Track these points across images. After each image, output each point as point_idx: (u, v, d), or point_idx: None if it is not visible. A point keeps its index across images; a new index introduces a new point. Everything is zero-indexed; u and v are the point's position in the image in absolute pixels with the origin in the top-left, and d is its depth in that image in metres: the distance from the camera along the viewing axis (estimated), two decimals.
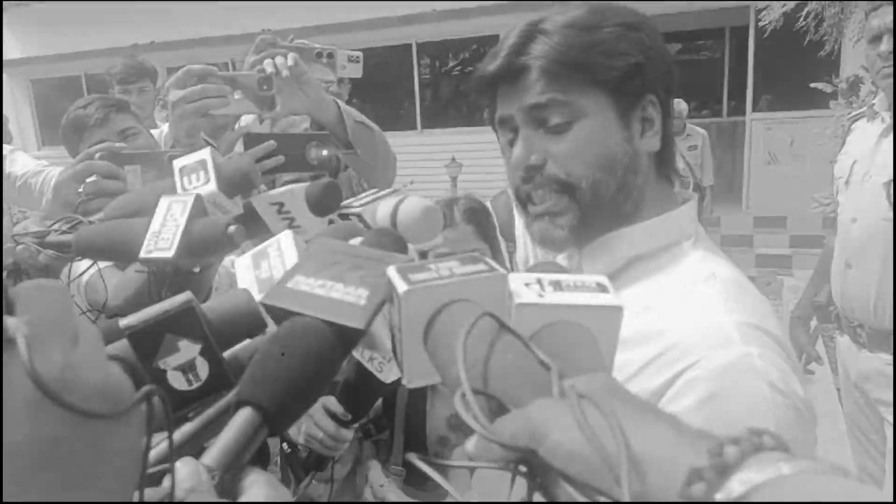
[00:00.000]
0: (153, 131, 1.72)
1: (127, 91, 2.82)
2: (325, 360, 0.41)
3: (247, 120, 1.50)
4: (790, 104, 7.05)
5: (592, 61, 0.71)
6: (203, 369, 0.43)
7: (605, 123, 0.73)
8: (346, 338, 0.42)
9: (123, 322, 0.43)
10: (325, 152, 1.08)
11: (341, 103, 1.33)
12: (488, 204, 1.68)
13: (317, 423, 1.05)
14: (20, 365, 0.25)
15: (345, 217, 0.73)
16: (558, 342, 0.42)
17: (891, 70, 1.67)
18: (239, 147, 1.15)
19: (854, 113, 2.01)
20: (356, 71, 1.40)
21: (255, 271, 0.55)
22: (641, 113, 0.75)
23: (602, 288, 0.45)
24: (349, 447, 1.17)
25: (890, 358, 1.72)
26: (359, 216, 0.74)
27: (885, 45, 1.66)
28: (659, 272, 0.74)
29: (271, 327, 0.54)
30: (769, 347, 0.65)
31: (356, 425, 1.16)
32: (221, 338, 0.45)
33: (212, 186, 0.69)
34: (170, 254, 0.60)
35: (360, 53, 1.38)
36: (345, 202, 0.75)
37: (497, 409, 0.36)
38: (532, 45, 0.73)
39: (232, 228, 0.61)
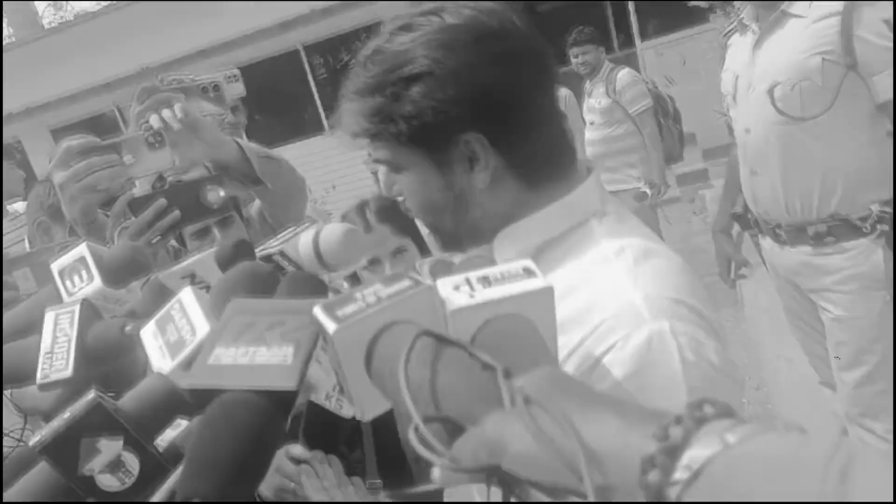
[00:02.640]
0: (8, 208, 1.63)
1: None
2: (263, 431, 0.40)
3: (144, 183, 1.44)
4: (674, 26, 7.28)
5: (377, 129, 0.72)
6: (133, 463, 0.42)
7: (421, 174, 0.73)
8: (282, 400, 0.42)
9: (33, 440, 0.41)
10: (221, 192, 1.05)
11: (241, 141, 1.29)
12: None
13: (284, 474, 1.04)
14: None
15: (267, 259, 0.71)
16: (500, 338, 0.42)
17: None
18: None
19: (727, 29, 2.09)
20: (238, 90, 1.36)
21: (162, 337, 0.53)
22: (464, 151, 0.71)
23: (529, 272, 0.46)
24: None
25: (811, 249, 1.83)
26: (281, 253, 0.72)
27: None
28: (570, 255, 0.74)
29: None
30: (679, 317, 0.65)
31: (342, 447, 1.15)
32: (146, 426, 0.44)
33: (97, 284, 0.66)
34: (67, 373, 0.57)
35: (236, 71, 1.34)
36: (264, 244, 0.74)
37: (453, 429, 0.37)
38: (341, 114, 0.76)
39: (128, 328, 0.58)
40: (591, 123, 3.90)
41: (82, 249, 0.69)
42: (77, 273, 0.68)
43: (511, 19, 0.71)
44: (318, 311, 0.42)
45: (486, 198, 0.74)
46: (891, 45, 1.61)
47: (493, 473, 0.33)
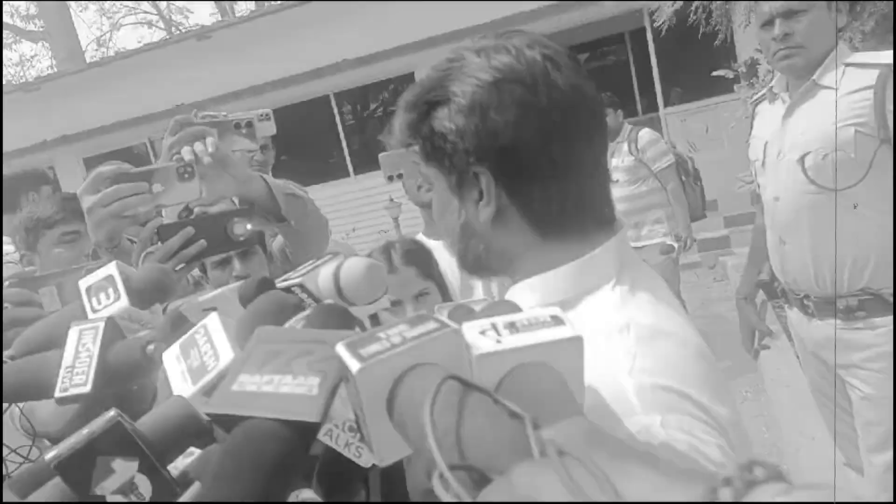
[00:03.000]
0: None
1: (30, 198, 2.68)
2: (283, 462, 0.38)
3: (171, 213, 1.46)
4: (698, 94, 7.40)
5: (409, 142, 0.77)
6: (145, 487, 0.41)
7: (440, 193, 0.77)
8: (304, 432, 0.40)
9: (49, 455, 0.40)
10: (248, 226, 1.05)
11: (269, 178, 1.31)
12: (425, 240, 1.67)
13: None
14: None
15: (287, 291, 0.70)
16: (525, 387, 0.41)
17: (787, 52, 1.76)
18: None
19: (755, 97, 2.11)
20: (269, 129, 1.38)
21: (185, 361, 0.52)
22: (476, 184, 0.72)
23: (557, 321, 0.45)
24: None
25: (840, 323, 1.78)
26: (301, 286, 0.71)
27: (778, 29, 1.75)
28: (579, 321, 0.70)
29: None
30: (674, 409, 0.61)
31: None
32: (162, 451, 0.42)
33: (123, 303, 0.66)
34: (86, 389, 0.57)
35: (268, 111, 1.36)
36: (284, 276, 0.73)
37: (479, 478, 0.35)
38: (390, 126, 0.80)
39: (150, 348, 0.58)
40: (616, 181, 3.97)
41: (111, 268, 0.69)
42: (104, 291, 0.68)
43: (547, 71, 0.70)
44: (341, 349, 0.41)
45: (490, 234, 0.74)
46: None
47: None
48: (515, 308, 0.51)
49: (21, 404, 1.11)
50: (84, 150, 9.01)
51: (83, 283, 0.69)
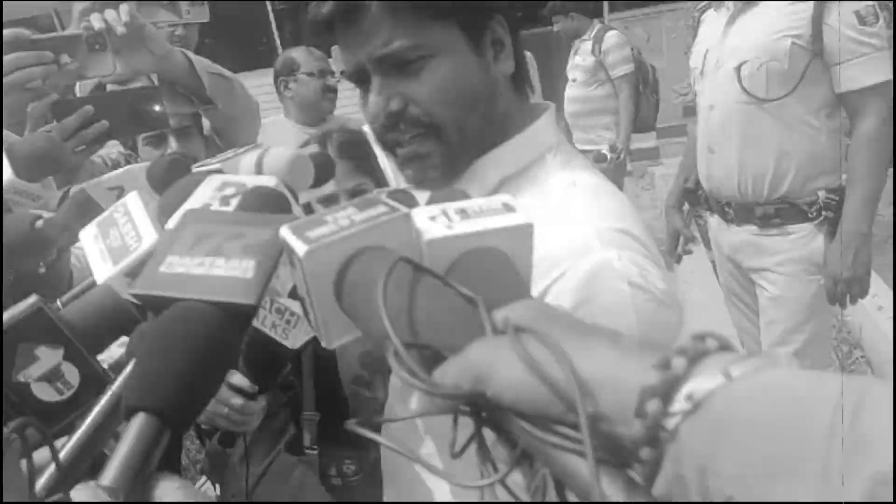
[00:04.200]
0: None
1: None
2: (216, 344, 0.37)
3: (88, 85, 1.34)
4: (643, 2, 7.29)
5: (424, 2, 0.68)
6: (72, 375, 0.39)
7: (459, 57, 0.71)
8: (239, 316, 0.39)
9: None
10: (157, 107, 0.97)
11: (191, 54, 1.20)
12: (366, 129, 1.59)
13: (219, 399, 1.00)
14: None
15: None
16: (475, 272, 0.41)
17: None
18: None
19: (701, 5, 2.09)
20: (202, 14, 1.26)
21: (104, 241, 0.50)
22: (491, 36, 0.72)
23: (508, 207, 0.45)
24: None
25: (756, 230, 1.88)
26: (219, 172, 0.68)
27: None
28: (527, 189, 0.75)
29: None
30: (628, 247, 0.68)
31: (264, 396, 1.12)
32: (90, 339, 0.40)
33: (6, 173, 0.61)
34: None
35: None
36: (202, 162, 0.69)
37: (431, 357, 0.35)
38: None
39: (39, 223, 0.54)
40: (574, 80, 3.92)
41: None
42: None
43: None
44: (286, 232, 0.39)
45: (505, 92, 0.76)
46: (859, 37, 1.64)
47: (476, 401, 0.32)
48: (464, 195, 0.50)
49: None
50: None
51: None
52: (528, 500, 0.32)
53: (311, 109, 2.48)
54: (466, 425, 0.33)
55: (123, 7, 1.04)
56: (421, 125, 0.72)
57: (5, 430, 0.26)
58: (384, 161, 1.51)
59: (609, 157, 3.79)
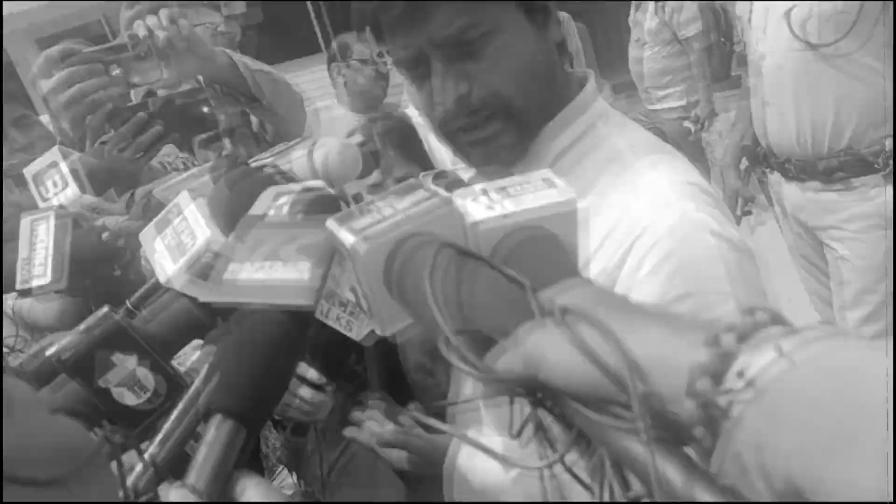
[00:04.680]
0: None
1: None
2: (284, 346, 0.39)
3: (140, 93, 1.39)
4: None
5: None
6: (147, 380, 0.42)
7: (519, 30, 0.70)
8: (301, 316, 0.41)
9: (48, 353, 0.41)
10: (206, 109, 1.01)
11: (233, 54, 1.23)
12: (411, 115, 1.57)
13: (289, 391, 1.04)
14: None
15: None
16: (521, 251, 0.41)
17: None
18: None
19: None
20: (238, 6, 1.29)
21: (162, 241, 0.52)
22: (541, 2, 0.73)
23: (549, 183, 0.45)
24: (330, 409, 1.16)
25: (820, 185, 1.80)
26: (273, 166, 0.70)
27: None
28: (585, 157, 0.75)
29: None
30: (700, 199, 0.69)
31: (332, 386, 1.15)
32: (164, 345, 0.43)
33: (72, 191, 0.64)
34: (46, 280, 0.57)
35: None
36: (255, 157, 0.71)
37: (483, 341, 0.36)
38: None
39: (105, 235, 0.57)
40: (637, 40, 3.65)
41: (54, 154, 0.67)
42: (51, 179, 0.66)
43: None
44: (332, 225, 0.40)
45: (559, 59, 0.76)
46: None
47: (529, 385, 0.32)
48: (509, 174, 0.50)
49: (9, 303, 1.11)
50: (35, 31, 8.42)
51: (28, 172, 0.67)
52: (588, 480, 0.32)
53: (363, 96, 2.50)
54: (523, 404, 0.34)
55: (164, 12, 1.07)
56: (489, 107, 0.71)
57: (97, 436, 0.28)
58: (431, 146, 1.51)
59: (693, 129, 3.54)
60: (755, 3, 1.82)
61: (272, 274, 0.41)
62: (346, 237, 0.39)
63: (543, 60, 0.73)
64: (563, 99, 0.76)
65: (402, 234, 0.39)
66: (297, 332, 0.41)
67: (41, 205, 0.66)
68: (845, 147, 1.73)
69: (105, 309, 0.42)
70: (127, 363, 0.41)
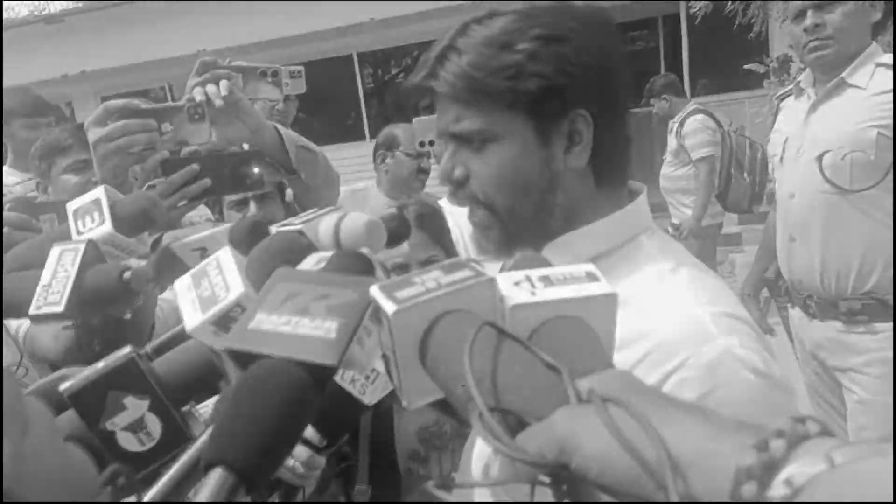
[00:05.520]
0: None
1: (33, 125, 2.51)
2: (298, 403, 0.38)
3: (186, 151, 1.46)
4: (726, 87, 7.27)
5: (500, 86, 0.69)
6: (155, 427, 0.41)
7: (521, 145, 0.72)
8: (319, 375, 0.40)
9: (63, 386, 0.40)
10: (256, 170, 1.05)
11: (281, 128, 1.30)
12: (443, 204, 1.65)
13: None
14: None
15: None
16: (557, 340, 0.41)
17: (817, 44, 1.72)
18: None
19: (782, 91, 2.07)
20: (299, 86, 1.37)
21: (196, 291, 0.52)
22: (569, 127, 0.72)
23: (592, 277, 0.45)
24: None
25: (841, 326, 1.78)
26: (300, 233, 0.72)
27: (809, 20, 1.71)
28: (622, 268, 0.73)
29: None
30: (744, 334, 0.66)
31: (330, 451, 1.13)
32: (175, 392, 0.43)
33: (107, 227, 0.66)
34: (59, 308, 0.57)
35: (301, 68, 1.35)
36: (285, 222, 0.73)
37: (514, 423, 0.35)
38: (444, 67, 0.71)
39: (127, 275, 0.57)
40: (664, 158, 4.08)
41: (99, 192, 0.69)
42: (90, 214, 0.68)
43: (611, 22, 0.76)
44: (376, 291, 0.40)
45: (572, 184, 0.74)
46: None
47: (558, 472, 0.31)
48: (546, 262, 0.51)
49: (21, 330, 1.13)
50: (102, 89, 8.98)
51: (71, 206, 0.69)
52: None
53: (402, 186, 2.60)
54: (543, 494, 0.32)
55: (224, 83, 1.15)
56: (475, 200, 0.75)
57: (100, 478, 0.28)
58: (457, 235, 1.55)
59: (671, 232, 3.78)
60: (788, 143, 1.88)
61: (298, 329, 0.41)
62: (389, 305, 0.39)
63: (539, 182, 0.73)
64: (590, 215, 0.75)
65: (444, 308, 0.40)
66: (312, 391, 0.39)
67: (76, 238, 0.68)
68: (869, 290, 1.72)
69: (128, 348, 0.42)
70: (138, 408, 0.41)
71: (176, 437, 0.42)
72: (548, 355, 0.37)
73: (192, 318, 0.50)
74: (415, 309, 0.39)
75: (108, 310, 0.65)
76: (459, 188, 0.76)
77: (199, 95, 1.13)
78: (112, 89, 8.85)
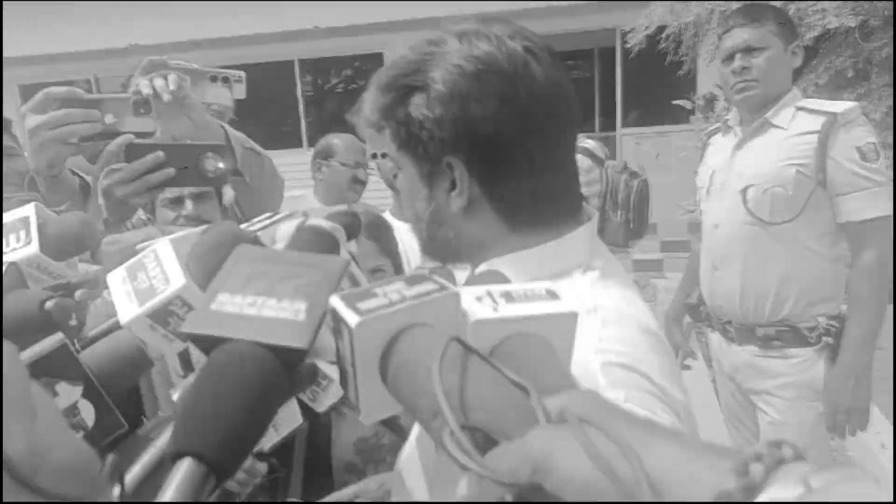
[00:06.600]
0: None
1: None
2: (267, 389, 0.36)
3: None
4: (655, 119, 7.62)
5: (382, 125, 0.75)
6: (88, 413, 0.39)
7: (410, 179, 0.76)
8: (288, 359, 0.38)
9: None
10: (220, 164, 1.01)
11: (228, 128, 1.26)
12: (391, 219, 1.65)
13: None
14: None
15: None
16: (518, 356, 0.41)
17: (743, 85, 1.84)
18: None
19: (710, 128, 2.20)
20: (239, 92, 1.34)
21: (131, 283, 0.49)
22: (447, 174, 0.72)
23: (552, 295, 0.45)
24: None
25: (757, 350, 1.88)
26: (255, 240, 0.70)
27: (737, 63, 1.83)
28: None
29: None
30: (637, 387, 0.64)
31: (272, 460, 1.09)
32: (109, 379, 0.41)
33: (32, 249, 0.60)
34: None
35: (242, 73, 1.32)
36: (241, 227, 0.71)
37: (483, 441, 0.34)
38: (363, 99, 0.78)
39: (49, 304, 0.51)
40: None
41: (29, 209, 0.63)
42: (16, 232, 0.62)
43: (528, 63, 0.69)
44: (336, 302, 0.39)
45: (460, 222, 0.74)
46: (860, 171, 1.71)
47: (529, 492, 0.30)
48: (504, 278, 0.50)
49: None
50: (24, 78, 8.50)
51: None
52: None
53: (337, 194, 2.59)
54: None
55: (172, 77, 1.11)
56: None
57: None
58: (403, 247, 1.55)
59: None
60: (714, 177, 1.99)
61: (264, 311, 0.39)
62: (351, 316, 0.37)
63: (423, 215, 0.77)
64: (497, 249, 0.74)
65: (406, 321, 0.39)
66: (282, 376, 0.36)
67: None
68: (784, 318, 1.83)
69: (59, 335, 0.40)
70: (71, 394, 0.39)
71: (110, 424, 0.40)
72: (510, 372, 0.36)
73: (127, 310, 0.47)
74: (377, 321, 0.38)
75: (22, 341, 0.60)
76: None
77: (145, 89, 1.09)
78: (33, 79, 8.39)
